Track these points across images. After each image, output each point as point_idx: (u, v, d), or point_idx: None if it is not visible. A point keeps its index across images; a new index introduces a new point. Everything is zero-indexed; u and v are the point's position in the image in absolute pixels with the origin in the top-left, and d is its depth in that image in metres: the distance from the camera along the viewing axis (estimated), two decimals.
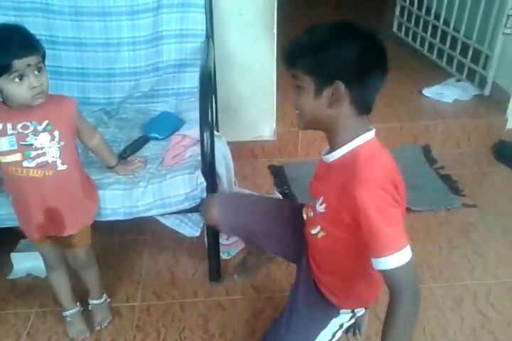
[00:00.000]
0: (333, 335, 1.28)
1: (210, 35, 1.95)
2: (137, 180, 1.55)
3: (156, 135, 1.74)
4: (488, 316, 1.63)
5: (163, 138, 1.74)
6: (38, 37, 1.23)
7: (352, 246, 1.09)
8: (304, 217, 1.26)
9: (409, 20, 3.19)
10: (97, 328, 1.61)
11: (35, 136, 1.26)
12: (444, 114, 2.51)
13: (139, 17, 1.89)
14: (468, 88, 2.61)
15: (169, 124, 1.78)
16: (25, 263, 1.85)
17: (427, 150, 2.47)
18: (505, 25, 2.34)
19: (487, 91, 2.54)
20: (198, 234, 1.74)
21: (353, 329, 1.52)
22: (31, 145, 1.26)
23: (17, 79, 1.15)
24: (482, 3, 2.48)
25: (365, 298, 1.28)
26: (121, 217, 1.56)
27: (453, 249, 1.93)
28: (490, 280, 1.78)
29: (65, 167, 1.31)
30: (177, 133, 1.69)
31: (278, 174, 2.35)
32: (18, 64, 1.13)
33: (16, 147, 1.25)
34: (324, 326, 1.25)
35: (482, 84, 2.57)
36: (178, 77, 1.98)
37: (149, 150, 1.70)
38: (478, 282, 1.77)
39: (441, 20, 2.83)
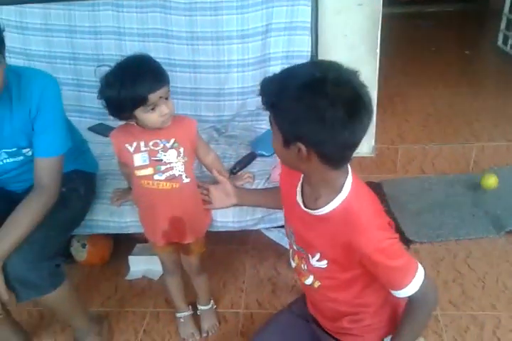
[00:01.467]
0: None
1: (314, 56, 2.03)
2: None
3: (262, 152, 1.84)
4: None
5: (270, 155, 1.84)
6: (158, 60, 1.35)
7: (360, 280, 1.11)
8: (293, 264, 1.24)
9: None
10: (205, 335, 1.73)
11: (164, 152, 1.39)
12: None
13: (249, 40, 2.02)
14: None
15: None
16: (141, 266, 2.04)
17: None
18: None
19: None
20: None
21: None
22: (161, 160, 1.40)
23: (150, 110, 1.29)
24: None
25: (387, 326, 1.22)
26: (229, 229, 1.68)
27: None
28: None
29: (188, 180, 1.43)
30: None
31: (376, 191, 2.34)
32: (152, 97, 1.26)
33: (148, 162, 1.40)
34: None
35: None
36: None
37: (256, 166, 1.81)
38: None
39: None
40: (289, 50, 2.02)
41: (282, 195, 1.25)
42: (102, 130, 2.16)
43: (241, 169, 1.78)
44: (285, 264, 2.00)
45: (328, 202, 1.03)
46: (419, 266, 1.04)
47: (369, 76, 2.19)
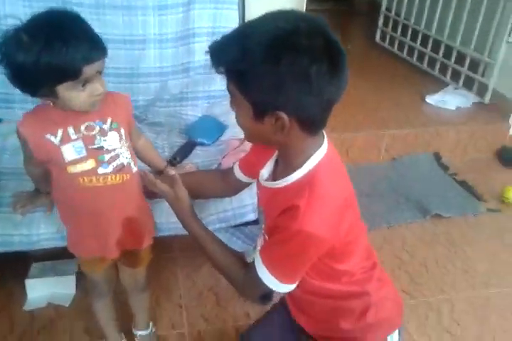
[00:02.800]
0: None
1: None
2: None
3: (203, 140, 1.58)
4: None
5: (210, 144, 1.58)
6: None
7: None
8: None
9: (395, 29, 3.24)
10: None
11: (103, 136, 1.06)
12: (451, 120, 2.54)
13: (167, 12, 1.73)
14: (467, 96, 2.67)
15: (213, 129, 1.63)
16: (44, 290, 1.60)
17: (437, 157, 2.48)
18: (510, 34, 2.42)
19: (487, 99, 2.61)
20: (253, 247, 1.58)
21: None
22: (102, 147, 1.06)
23: (80, 87, 0.96)
24: (481, 13, 2.55)
25: (380, 324, 1.03)
26: (179, 232, 1.37)
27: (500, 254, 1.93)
28: None
29: (136, 168, 1.14)
30: (232, 137, 1.54)
31: None
32: (87, 70, 0.94)
33: (84, 153, 1.05)
34: None
35: (481, 91, 2.63)
36: (209, 78, 1.82)
37: (199, 156, 1.54)
38: None
39: (433, 29, 2.89)
40: (215, 26, 1.78)
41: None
42: None
43: (182, 159, 1.50)
44: None
45: (295, 171, 0.87)
46: (280, 284, 0.89)
47: None
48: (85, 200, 1.10)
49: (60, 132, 1.03)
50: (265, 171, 0.98)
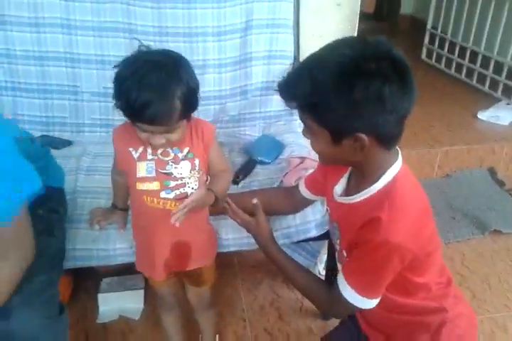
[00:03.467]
0: None
1: (297, 56, 1.89)
2: None
3: (263, 158, 1.63)
4: None
5: (270, 162, 1.63)
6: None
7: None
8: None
9: (440, 46, 3.25)
10: None
11: (175, 164, 1.11)
12: (505, 136, 2.51)
13: (226, 38, 1.82)
14: None
15: (272, 147, 1.68)
16: (114, 304, 1.67)
17: (492, 173, 2.45)
18: None
19: None
20: (314, 264, 1.61)
21: None
22: (170, 174, 1.11)
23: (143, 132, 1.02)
24: None
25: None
26: (244, 247, 1.42)
27: None
28: None
29: None
30: (292, 155, 1.59)
31: None
32: (141, 126, 1.00)
33: (153, 174, 1.11)
34: None
35: None
36: (265, 100, 1.89)
37: (260, 174, 1.59)
38: None
39: (482, 45, 2.89)
40: (272, 49, 1.85)
41: (326, 196, 1.10)
42: (49, 142, 1.77)
43: (244, 177, 1.55)
44: (283, 285, 1.78)
45: (369, 186, 0.90)
46: (366, 300, 0.91)
47: None
48: (144, 216, 1.15)
49: (140, 149, 1.11)
50: (339, 187, 1.01)
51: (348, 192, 0.99)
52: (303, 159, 1.54)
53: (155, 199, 1.11)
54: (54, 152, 1.66)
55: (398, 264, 0.88)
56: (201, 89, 1.85)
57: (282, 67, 1.85)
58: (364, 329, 1.12)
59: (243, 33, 1.82)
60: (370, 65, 0.79)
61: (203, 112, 1.86)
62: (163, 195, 1.11)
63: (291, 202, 1.23)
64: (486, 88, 2.89)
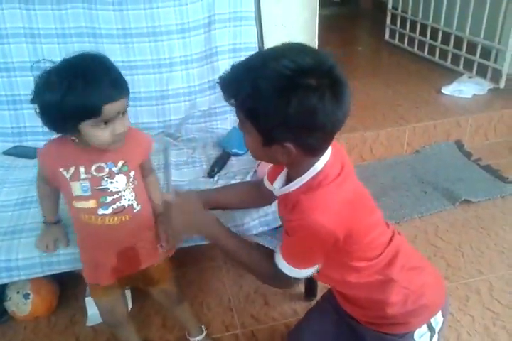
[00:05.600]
0: None
1: (261, 47, 1.93)
2: None
3: (236, 150, 1.69)
4: None
5: (243, 153, 1.69)
6: None
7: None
8: None
9: (403, 26, 3.32)
10: None
11: (110, 178, 1.12)
12: (469, 109, 2.61)
13: (190, 34, 1.85)
14: (481, 83, 2.74)
15: None
16: None
17: (459, 145, 2.55)
18: None
19: (502, 84, 2.67)
20: None
21: None
22: (106, 189, 1.12)
23: (102, 125, 1.02)
24: (487, 1, 2.63)
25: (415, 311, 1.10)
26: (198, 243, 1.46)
27: None
28: None
29: (139, 207, 1.18)
30: None
31: None
32: (108, 109, 0.99)
33: (89, 193, 1.11)
34: None
35: (495, 77, 2.71)
36: None
37: (234, 165, 1.65)
38: None
39: (442, 22, 2.97)
40: (236, 42, 1.89)
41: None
42: (22, 152, 1.80)
43: (219, 170, 1.61)
44: None
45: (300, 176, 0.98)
46: (296, 269, 1.01)
47: None
48: (84, 232, 1.20)
49: (72, 169, 1.10)
50: (277, 183, 1.08)
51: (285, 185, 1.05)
52: None
53: (92, 217, 1.13)
54: (27, 162, 1.70)
55: (319, 242, 0.95)
56: (170, 86, 1.94)
57: None
58: (341, 303, 1.21)
59: (207, 28, 1.86)
60: (309, 80, 0.82)
61: (174, 109, 1.92)
62: (100, 211, 1.13)
63: (261, 194, 1.27)
64: (448, 63, 2.99)
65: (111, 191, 1.12)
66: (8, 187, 1.58)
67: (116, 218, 1.14)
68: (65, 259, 1.33)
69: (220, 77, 0.90)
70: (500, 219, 2.08)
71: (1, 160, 1.76)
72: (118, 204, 1.14)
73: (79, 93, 0.96)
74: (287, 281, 1.08)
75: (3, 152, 1.82)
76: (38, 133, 1.84)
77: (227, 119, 1.94)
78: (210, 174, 1.58)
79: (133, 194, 1.16)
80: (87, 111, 0.98)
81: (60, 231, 1.32)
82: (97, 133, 1.02)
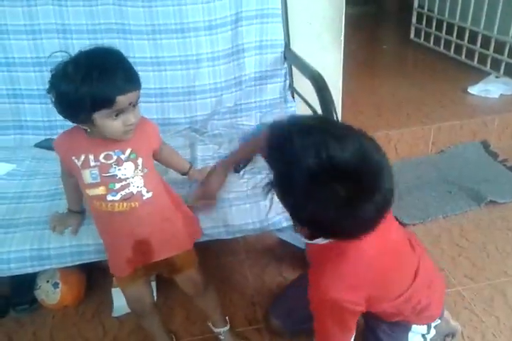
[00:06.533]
0: None
1: (288, 44, 1.94)
2: (258, 192, 1.49)
3: None
4: None
5: None
6: None
7: None
8: None
9: (428, 25, 3.29)
10: None
11: (118, 165, 1.16)
12: (496, 109, 2.58)
13: (218, 31, 1.86)
14: (509, 83, 2.70)
15: None
16: None
17: (485, 145, 2.52)
18: None
19: None
20: None
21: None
22: (115, 176, 1.16)
23: (114, 116, 1.06)
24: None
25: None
26: (250, 232, 1.50)
27: None
28: None
29: (150, 194, 1.20)
30: None
31: None
32: (121, 100, 1.04)
33: (98, 179, 1.15)
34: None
35: None
36: (260, 89, 1.95)
37: (259, 161, 1.65)
38: None
39: (469, 21, 2.94)
40: (262, 39, 1.90)
41: None
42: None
43: (245, 166, 1.62)
44: (289, 268, 1.86)
45: None
46: None
47: (334, 64, 2.16)
48: (100, 219, 1.23)
49: (82, 157, 1.15)
50: None
51: None
52: None
53: (103, 203, 1.17)
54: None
55: (346, 315, 1.03)
56: (197, 82, 1.96)
57: (274, 56, 1.92)
58: None
59: (234, 25, 1.87)
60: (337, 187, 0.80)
61: (200, 106, 1.94)
62: (109, 198, 1.16)
63: None
64: (475, 63, 2.95)
65: (119, 178, 1.16)
66: (40, 178, 1.63)
67: (125, 204, 1.16)
68: (94, 249, 1.37)
69: (268, 139, 0.94)
70: None
71: (33, 153, 1.81)
72: (126, 190, 1.17)
73: (94, 84, 1.00)
74: None
75: (35, 144, 1.87)
76: (68, 126, 1.84)
77: (251, 116, 1.95)
78: (236, 169, 1.60)
79: (142, 181, 1.18)
80: (100, 102, 1.02)
81: (76, 220, 1.37)
82: (109, 123, 1.07)
